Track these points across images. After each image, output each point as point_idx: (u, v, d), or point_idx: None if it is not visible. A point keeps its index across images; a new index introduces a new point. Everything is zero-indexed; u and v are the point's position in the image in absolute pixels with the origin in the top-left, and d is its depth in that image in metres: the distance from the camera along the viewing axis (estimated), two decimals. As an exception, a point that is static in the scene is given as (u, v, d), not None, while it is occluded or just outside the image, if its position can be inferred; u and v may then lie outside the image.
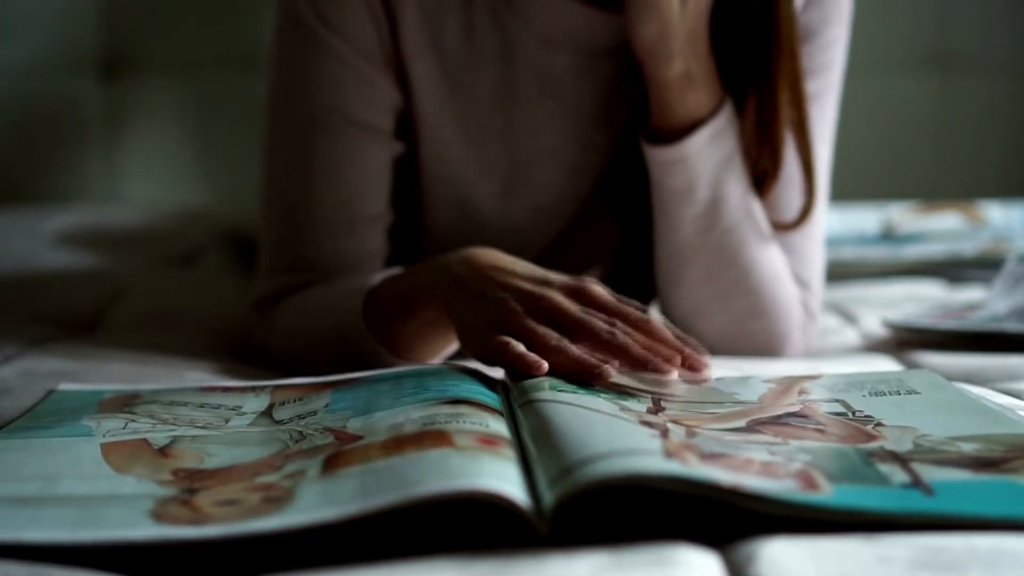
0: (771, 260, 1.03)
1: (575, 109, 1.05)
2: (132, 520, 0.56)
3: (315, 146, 1.00)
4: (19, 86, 2.06)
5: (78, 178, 2.09)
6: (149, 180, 2.10)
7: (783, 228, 1.04)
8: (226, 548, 0.54)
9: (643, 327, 0.81)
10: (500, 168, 1.06)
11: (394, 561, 0.53)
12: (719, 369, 0.87)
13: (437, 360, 0.94)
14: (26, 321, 1.19)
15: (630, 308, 0.82)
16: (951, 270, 1.55)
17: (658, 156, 1.00)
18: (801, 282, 1.06)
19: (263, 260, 1.05)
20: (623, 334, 0.79)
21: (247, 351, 1.04)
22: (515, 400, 0.73)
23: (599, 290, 0.83)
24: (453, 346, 0.93)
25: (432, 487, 0.55)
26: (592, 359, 0.77)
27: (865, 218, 1.78)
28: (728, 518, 0.56)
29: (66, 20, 2.05)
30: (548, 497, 0.55)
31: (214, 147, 2.11)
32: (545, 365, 0.76)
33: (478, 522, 0.56)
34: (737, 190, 1.00)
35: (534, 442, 0.63)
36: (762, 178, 1.02)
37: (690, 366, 0.80)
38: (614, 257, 1.14)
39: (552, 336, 0.79)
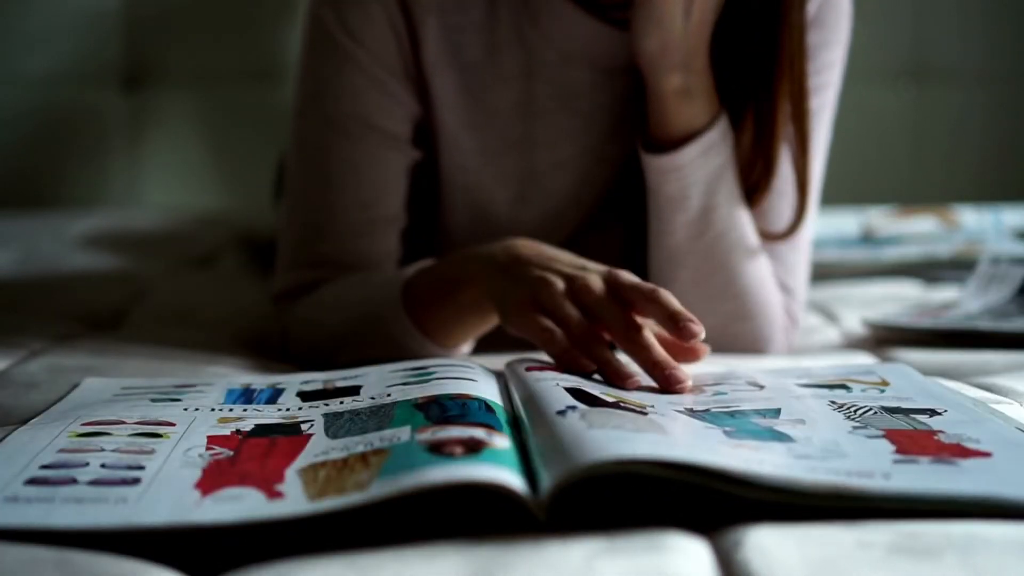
0: (757, 267, 1.03)
1: (591, 123, 1.05)
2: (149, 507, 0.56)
3: (336, 150, 1.01)
4: (45, 96, 2.06)
5: (101, 184, 2.08)
6: (169, 186, 2.10)
7: (772, 238, 1.04)
8: (238, 533, 0.54)
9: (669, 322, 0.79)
10: (515, 177, 1.06)
11: (398, 547, 0.53)
12: (707, 365, 0.87)
13: (468, 345, 0.95)
14: (52, 319, 1.19)
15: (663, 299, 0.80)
16: (927, 271, 1.55)
17: (655, 164, 1.00)
18: (786, 289, 1.06)
19: (282, 256, 1.05)
20: (650, 334, 0.79)
21: (267, 346, 1.04)
22: (515, 394, 0.73)
23: (631, 279, 0.82)
24: (486, 328, 0.93)
25: (435, 476, 0.55)
26: (625, 369, 0.77)
27: (846, 221, 1.77)
28: (716, 503, 0.56)
29: (90, 33, 2.05)
30: (545, 482, 0.55)
31: (231, 154, 2.10)
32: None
33: (479, 509, 0.56)
34: (728, 200, 1.00)
35: (531, 429, 0.63)
36: (755, 188, 1.02)
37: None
38: (616, 260, 1.14)
39: (583, 323, 0.79)
